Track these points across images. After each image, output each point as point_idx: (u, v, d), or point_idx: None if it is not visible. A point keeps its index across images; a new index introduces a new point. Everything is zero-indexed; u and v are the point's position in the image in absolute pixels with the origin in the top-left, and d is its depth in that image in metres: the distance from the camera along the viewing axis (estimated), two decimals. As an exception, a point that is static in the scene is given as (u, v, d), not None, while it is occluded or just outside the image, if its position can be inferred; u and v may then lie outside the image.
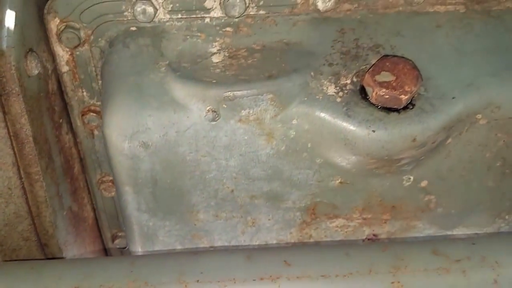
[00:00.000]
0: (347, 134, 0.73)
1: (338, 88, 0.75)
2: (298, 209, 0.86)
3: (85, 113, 0.86)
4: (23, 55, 0.71)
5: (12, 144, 0.72)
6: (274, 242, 0.91)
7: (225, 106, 0.73)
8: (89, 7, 0.75)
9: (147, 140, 0.74)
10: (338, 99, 0.74)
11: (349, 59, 0.77)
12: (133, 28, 0.78)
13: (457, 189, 0.86)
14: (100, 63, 0.81)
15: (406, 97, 0.71)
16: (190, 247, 0.89)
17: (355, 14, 0.80)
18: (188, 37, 0.78)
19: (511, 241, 0.80)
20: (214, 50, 0.78)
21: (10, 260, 0.83)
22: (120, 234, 1.03)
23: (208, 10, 0.78)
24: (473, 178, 0.85)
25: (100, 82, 0.82)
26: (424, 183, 0.83)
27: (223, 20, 0.79)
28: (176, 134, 0.74)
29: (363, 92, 0.74)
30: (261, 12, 0.79)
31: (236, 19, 0.79)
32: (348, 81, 0.75)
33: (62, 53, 0.80)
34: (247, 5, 0.77)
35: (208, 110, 0.73)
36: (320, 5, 0.78)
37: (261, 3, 0.78)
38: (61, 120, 0.83)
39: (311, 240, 0.92)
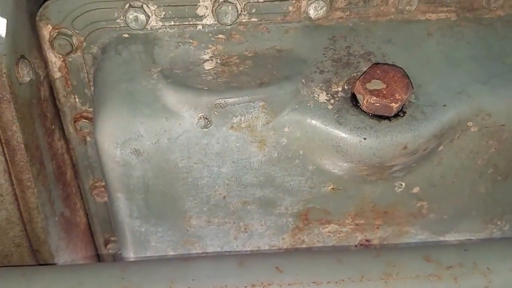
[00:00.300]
0: (339, 142, 0.73)
1: (329, 95, 0.75)
2: (291, 215, 0.86)
3: (77, 119, 0.86)
4: (15, 62, 0.71)
5: (3, 151, 0.72)
6: (267, 247, 0.91)
7: (217, 113, 0.73)
8: (82, 14, 0.75)
9: (139, 147, 0.74)
10: (330, 107, 0.74)
11: (341, 67, 0.77)
12: (126, 35, 0.78)
13: (449, 195, 0.86)
14: (93, 70, 0.80)
15: (397, 105, 0.71)
16: (183, 252, 0.89)
17: (347, 22, 0.80)
18: (180, 44, 0.78)
19: (502, 247, 0.81)
20: (206, 57, 0.78)
21: (2, 266, 0.83)
22: (112, 239, 1.03)
23: (200, 18, 0.78)
24: (465, 185, 0.85)
25: (92, 88, 0.82)
26: (416, 190, 0.84)
27: (215, 27, 0.79)
28: (168, 141, 0.74)
29: (354, 100, 0.75)
30: (253, 19, 0.79)
31: (229, 27, 0.79)
32: (340, 89, 0.76)
33: (54, 59, 0.80)
34: (239, 12, 0.77)
35: (200, 117, 0.73)
36: (312, 13, 0.78)
37: (253, 10, 0.78)
38: (53, 127, 0.83)
39: (304, 245, 0.92)
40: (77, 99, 0.85)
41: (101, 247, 1.05)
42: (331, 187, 0.81)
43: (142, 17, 0.76)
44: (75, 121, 0.87)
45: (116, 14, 0.76)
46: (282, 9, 0.78)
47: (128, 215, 0.82)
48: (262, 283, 0.71)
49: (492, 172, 0.84)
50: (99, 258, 1.04)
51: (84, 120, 0.86)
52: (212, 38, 0.79)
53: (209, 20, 0.78)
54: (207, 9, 0.77)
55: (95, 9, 0.75)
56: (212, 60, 0.77)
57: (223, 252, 0.90)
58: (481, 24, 0.82)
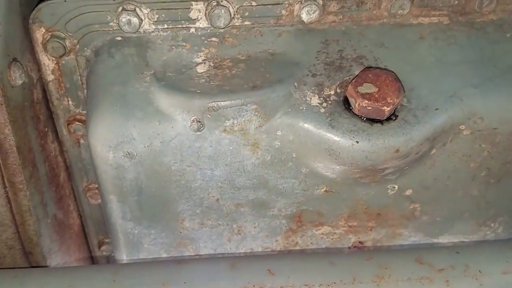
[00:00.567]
0: (331, 145, 0.73)
1: (321, 99, 0.75)
2: (284, 216, 0.86)
3: (71, 122, 0.86)
4: (7, 65, 0.71)
5: (-4, 154, 0.73)
6: (260, 249, 0.91)
7: (210, 117, 0.73)
8: (75, 17, 0.75)
9: (132, 150, 0.74)
10: (322, 110, 0.74)
11: (333, 70, 0.77)
12: (119, 38, 0.78)
13: (442, 197, 0.86)
14: (86, 73, 0.80)
15: (389, 108, 0.71)
16: (176, 255, 0.89)
17: (340, 26, 0.81)
18: (173, 47, 0.78)
19: (495, 249, 0.81)
20: (199, 60, 0.78)
21: (-6, 268, 0.83)
22: (106, 241, 1.03)
23: (193, 21, 0.78)
24: (458, 187, 0.85)
25: (85, 91, 0.82)
26: (408, 192, 0.84)
27: (208, 31, 0.79)
28: (161, 144, 0.74)
29: (346, 103, 0.75)
30: (247, 22, 0.79)
31: (222, 30, 0.79)
32: (332, 92, 0.76)
33: (47, 62, 0.80)
34: (232, 16, 0.77)
35: (193, 121, 0.73)
36: (305, 17, 0.78)
37: (247, 14, 0.78)
38: (46, 129, 0.83)
39: (297, 247, 0.92)
40: (70, 102, 0.85)
41: (95, 249, 1.04)
42: (324, 189, 0.81)
43: (135, 20, 0.76)
44: (68, 124, 0.86)
45: (109, 17, 0.76)
46: (275, 12, 0.78)
47: (121, 217, 0.82)
48: (254, 286, 0.71)
49: (485, 175, 0.84)
50: (93, 260, 1.04)
51: (77, 122, 0.86)
52: (205, 41, 0.79)
53: (202, 23, 0.78)
54: (200, 12, 0.77)
55: (88, 12, 0.75)
56: (205, 63, 0.77)
57: (216, 255, 0.90)
58: (473, 28, 0.82)
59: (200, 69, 0.77)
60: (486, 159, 0.82)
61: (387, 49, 0.79)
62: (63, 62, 0.80)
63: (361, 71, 0.75)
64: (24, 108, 0.75)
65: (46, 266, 0.83)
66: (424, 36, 0.81)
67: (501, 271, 0.75)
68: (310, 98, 0.75)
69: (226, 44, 0.79)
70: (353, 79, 0.74)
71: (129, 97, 0.73)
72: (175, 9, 0.76)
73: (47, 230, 0.83)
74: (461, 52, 0.80)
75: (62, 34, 0.77)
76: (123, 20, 0.75)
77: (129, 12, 0.75)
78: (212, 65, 0.77)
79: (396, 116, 0.74)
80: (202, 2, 0.76)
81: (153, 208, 0.82)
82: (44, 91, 0.83)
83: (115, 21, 0.76)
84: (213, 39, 0.79)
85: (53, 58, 0.79)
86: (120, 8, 0.75)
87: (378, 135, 0.72)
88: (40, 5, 0.74)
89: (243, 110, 0.73)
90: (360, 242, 0.92)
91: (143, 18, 0.77)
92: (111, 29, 0.77)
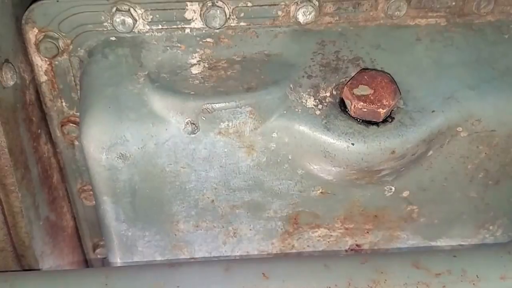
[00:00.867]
0: (327, 147, 0.73)
1: (317, 100, 0.75)
2: (280, 218, 0.85)
3: (65, 123, 0.85)
4: None
5: (-14, 156, 0.72)
6: (256, 252, 0.90)
7: (204, 119, 0.73)
8: (68, 17, 0.75)
9: (125, 151, 0.73)
10: (318, 112, 0.74)
11: (329, 72, 0.77)
12: (113, 38, 0.78)
13: (440, 199, 0.85)
14: (79, 73, 0.80)
15: (384, 110, 0.71)
16: (171, 258, 0.88)
17: (336, 27, 0.80)
18: (168, 48, 0.78)
19: (492, 254, 0.80)
20: (194, 61, 0.77)
21: (-14, 272, 0.82)
22: (101, 243, 1.02)
23: (188, 21, 0.77)
24: (455, 189, 0.84)
25: (79, 92, 0.81)
26: (406, 193, 0.83)
27: (203, 31, 0.78)
28: (155, 146, 0.74)
29: (342, 105, 0.74)
30: (242, 23, 0.78)
31: (217, 30, 0.78)
32: (328, 94, 0.75)
33: (40, 63, 0.79)
34: (227, 16, 0.77)
35: (187, 123, 0.73)
36: (301, 18, 0.78)
37: (242, 15, 0.77)
38: (39, 131, 0.82)
39: (294, 250, 0.91)
40: (64, 103, 0.84)
41: (90, 251, 1.04)
42: (320, 191, 0.81)
43: (129, 20, 0.75)
44: (62, 125, 0.86)
45: (103, 17, 0.75)
46: (271, 13, 0.78)
47: (115, 219, 0.82)
48: (248, 289, 0.71)
49: (483, 176, 0.84)
50: (87, 263, 1.03)
51: (71, 124, 0.85)
52: (200, 42, 0.78)
53: (197, 24, 0.78)
54: (195, 13, 0.76)
55: (82, 12, 0.75)
56: (199, 64, 0.77)
57: (211, 258, 0.89)
58: (471, 30, 0.82)
59: (195, 70, 0.76)
60: (484, 161, 0.81)
61: (383, 51, 0.79)
62: (56, 63, 0.79)
63: (356, 73, 0.74)
64: (16, 109, 0.75)
65: (38, 270, 0.82)
66: (421, 37, 0.81)
67: (499, 276, 0.74)
68: (306, 100, 0.75)
69: (221, 45, 0.78)
70: (348, 81, 0.74)
71: (123, 98, 0.73)
72: (170, 9, 0.76)
73: (39, 232, 0.82)
74: (458, 54, 0.79)
75: (55, 34, 0.76)
76: (117, 20, 0.75)
77: (123, 12, 0.74)
78: (207, 66, 0.77)
79: (392, 118, 0.73)
80: (197, 3, 0.75)
81: (147, 209, 0.81)
82: (37, 92, 0.82)
83: (109, 21, 0.76)
84: (208, 40, 0.79)
85: (46, 59, 0.79)
86: (114, 8, 0.74)
87: (374, 137, 0.72)
88: (33, 5, 0.73)
89: (238, 112, 0.73)
90: (357, 245, 0.92)
91: (137, 18, 0.76)
92: (105, 29, 0.77)
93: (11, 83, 0.72)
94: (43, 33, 0.76)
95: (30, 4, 0.74)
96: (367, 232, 0.90)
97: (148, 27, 0.77)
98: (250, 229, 0.87)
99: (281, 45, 0.79)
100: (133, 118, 0.72)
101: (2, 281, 0.69)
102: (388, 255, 0.85)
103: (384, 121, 0.73)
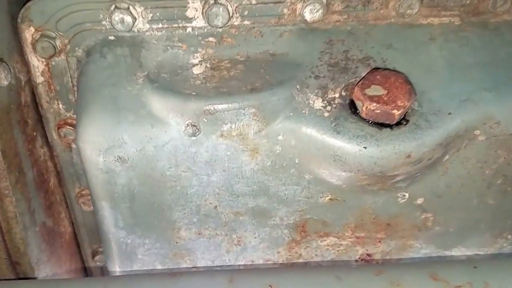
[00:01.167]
0: (337, 151, 0.71)
1: (325, 102, 0.73)
2: (286, 226, 0.83)
3: (61, 126, 0.84)
4: None
5: (-22, 159, 0.70)
6: (261, 261, 0.88)
7: (206, 121, 0.71)
8: (66, 15, 0.73)
9: (123, 154, 0.72)
10: (326, 114, 0.72)
11: (338, 72, 0.75)
12: (111, 38, 0.76)
13: (456, 207, 0.83)
14: (77, 74, 0.78)
15: (399, 112, 0.69)
16: (171, 266, 0.87)
17: (345, 26, 0.79)
18: (169, 47, 0.76)
19: (516, 264, 0.77)
20: (196, 61, 0.76)
21: (-21, 280, 0.80)
22: (100, 250, 1.00)
23: (190, 20, 0.76)
24: (472, 196, 0.83)
25: (76, 93, 0.80)
26: (420, 200, 0.81)
27: (205, 30, 0.77)
28: (154, 149, 0.72)
29: (352, 107, 0.72)
30: (246, 22, 0.77)
31: (220, 29, 0.77)
32: (337, 95, 0.73)
33: (37, 63, 0.78)
34: (231, 15, 0.75)
35: (188, 125, 0.71)
36: (308, 16, 0.76)
37: (246, 13, 0.76)
38: (35, 133, 0.81)
39: (301, 260, 0.89)
40: (60, 105, 0.83)
41: (88, 258, 1.02)
42: (329, 197, 0.79)
43: (128, 18, 0.74)
44: (58, 128, 0.85)
45: (102, 16, 0.74)
46: (276, 11, 0.76)
47: (113, 225, 0.80)
48: (253, 302, 0.67)
49: (501, 182, 0.81)
50: (86, 271, 1.01)
51: (68, 127, 0.84)
52: (202, 42, 0.77)
53: (199, 23, 0.76)
54: (197, 11, 0.75)
55: (79, 10, 0.73)
56: (201, 64, 0.75)
57: (214, 267, 0.87)
58: (487, 29, 0.80)
59: (196, 70, 0.75)
60: (503, 166, 0.79)
61: (395, 50, 0.77)
62: (53, 63, 0.78)
63: (368, 73, 0.73)
64: (10, 110, 0.73)
65: (34, 278, 0.80)
66: (434, 37, 0.79)
67: (524, 288, 0.70)
68: (313, 102, 0.73)
69: (224, 45, 0.77)
70: (359, 80, 0.72)
71: (121, 99, 0.72)
72: (170, 7, 0.74)
73: (35, 238, 0.81)
74: (474, 54, 0.78)
75: (53, 33, 0.75)
76: (116, 18, 0.74)
77: (122, 10, 0.73)
78: (209, 66, 0.75)
79: (407, 121, 0.71)
80: (199, 0, 0.74)
81: (147, 215, 0.80)
82: (33, 93, 0.81)
83: (107, 19, 0.75)
84: (211, 39, 0.77)
85: (43, 59, 0.78)
86: (113, 6, 0.73)
87: (387, 140, 0.70)
88: (29, 3, 0.72)
89: (241, 114, 0.71)
90: (368, 255, 0.90)
91: (137, 16, 0.75)
92: (103, 28, 0.76)
93: (5, 83, 0.71)
94: (40, 32, 0.75)
95: (26, 2, 0.72)
96: (379, 241, 0.87)
97: (148, 25, 0.76)
98: (255, 237, 0.85)
99: (286, 44, 0.77)
100: (131, 119, 0.71)
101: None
102: (403, 266, 0.82)
103: (398, 123, 0.71)
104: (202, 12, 0.75)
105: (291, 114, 0.72)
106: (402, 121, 0.71)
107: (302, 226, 0.83)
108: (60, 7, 0.73)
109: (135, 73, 0.74)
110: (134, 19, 0.74)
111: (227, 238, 0.84)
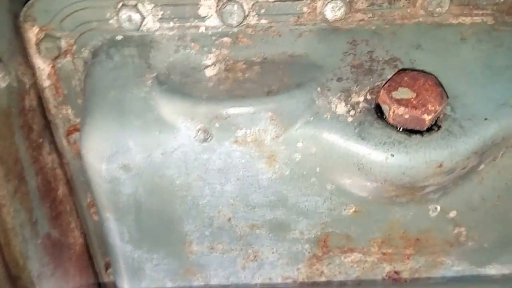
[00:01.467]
0: (361, 159, 0.68)
1: (349, 106, 0.69)
2: (307, 240, 0.80)
3: (71, 132, 0.82)
4: None
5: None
6: (280, 280, 0.86)
7: (218, 126, 0.68)
8: (71, 13, 0.72)
9: (128, 162, 0.69)
10: (349, 119, 0.69)
11: (362, 74, 0.72)
12: (119, 37, 0.75)
13: (491, 221, 0.81)
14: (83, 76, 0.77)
15: (430, 117, 0.66)
16: (183, 284, 0.84)
17: (369, 25, 0.76)
18: (180, 48, 0.74)
19: None
20: (209, 62, 0.73)
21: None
22: (114, 263, 0.97)
23: (203, 18, 0.74)
24: (508, 209, 0.80)
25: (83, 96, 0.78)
26: (453, 214, 0.79)
27: (220, 30, 0.75)
28: (162, 156, 0.69)
29: (379, 111, 0.69)
30: (263, 21, 0.74)
31: (235, 29, 0.74)
32: (361, 99, 0.70)
33: (42, 65, 0.76)
34: (246, 13, 0.73)
35: (199, 130, 0.68)
36: (329, 15, 0.74)
37: (263, 11, 0.73)
38: (41, 140, 0.79)
39: (323, 278, 0.86)
40: (69, 110, 0.81)
41: (102, 271, 1.00)
42: (353, 209, 0.76)
43: (136, 16, 0.72)
44: (68, 134, 0.83)
45: (109, 14, 0.73)
46: (295, 10, 0.74)
47: (119, 238, 0.78)
48: (271, 325, 0.63)
49: None
50: (100, 286, 0.97)
51: (78, 133, 0.81)
52: (216, 42, 0.75)
53: (213, 22, 0.74)
54: (210, 8, 0.73)
55: (85, 8, 0.72)
56: (215, 65, 0.73)
57: (229, 285, 0.85)
58: None
59: (209, 72, 0.72)
60: None
61: (424, 51, 0.75)
62: (59, 65, 0.77)
63: (395, 74, 0.70)
64: (9, 114, 0.71)
65: (34, 293, 0.77)
66: (466, 37, 0.77)
67: None
68: (336, 106, 0.70)
69: (239, 45, 0.75)
70: (386, 82, 0.69)
71: (127, 103, 0.70)
72: (182, 5, 0.73)
73: (36, 252, 0.78)
74: (509, 56, 0.75)
75: (57, 33, 0.74)
76: (123, 16, 0.72)
77: (130, 7, 0.72)
78: (223, 67, 0.73)
79: (439, 127, 0.68)
80: None
81: (155, 228, 0.77)
82: (40, 98, 0.79)
83: (115, 18, 0.73)
84: (225, 39, 0.75)
85: (48, 61, 0.76)
86: (120, 4, 0.72)
87: (417, 148, 0.66)
88: (32, 1, 0.71)
89: (256, 119, 0.68)
90: (395, 272, 0.87)
91: (145, 14, 0.73)
92: (111, 27, 0.74)
93: (3, 84, 0.69)
94: (44, 32, 0.73)
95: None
96: (408, 258, 0.84)
97: (158, 24, 0.74)
98: (272, 252, 0.82)
99: (306, 45, 0.75)
100: (137, 124, 0.68)
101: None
102: (436, 285, 0.76)
103: (429, 129, 0.68)
104: (216, 10, 0.73)
105: (311, 119, 0.69)
106: (434, 127, 0.68)
107: (324, 241, 0.81)
108: (65, 4, 0.71)
109: (144, 74, 0.72)
110: (143, 17, 0.72)
111: (243, 253, 0.82)
